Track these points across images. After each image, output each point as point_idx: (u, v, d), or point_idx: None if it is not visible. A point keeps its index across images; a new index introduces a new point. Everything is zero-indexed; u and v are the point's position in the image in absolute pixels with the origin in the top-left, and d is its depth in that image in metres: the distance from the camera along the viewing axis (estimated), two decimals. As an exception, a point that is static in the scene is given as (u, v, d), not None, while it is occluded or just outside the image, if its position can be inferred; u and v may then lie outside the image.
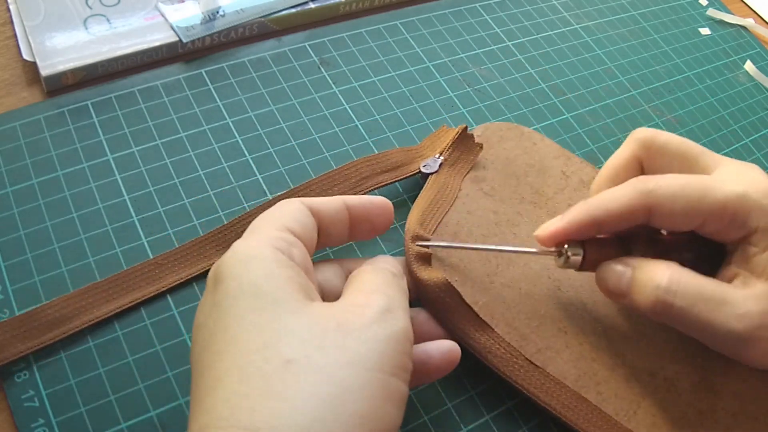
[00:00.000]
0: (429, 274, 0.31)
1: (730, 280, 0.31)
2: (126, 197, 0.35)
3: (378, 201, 0.30)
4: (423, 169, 0.37)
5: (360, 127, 0.41)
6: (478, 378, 0.33)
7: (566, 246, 0.31)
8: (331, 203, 0.29)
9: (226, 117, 0.40)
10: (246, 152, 0.38)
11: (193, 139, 0.38)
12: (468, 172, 0.38)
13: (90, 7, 0.41)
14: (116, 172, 0.36)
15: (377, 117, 0.42)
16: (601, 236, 0.32)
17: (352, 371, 0.22)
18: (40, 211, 0.34)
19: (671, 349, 0.33)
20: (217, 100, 0.40)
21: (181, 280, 0.32)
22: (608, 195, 0.31)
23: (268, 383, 0.21)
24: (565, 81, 0.48)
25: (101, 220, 0.34)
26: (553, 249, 0.32)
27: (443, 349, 0.29)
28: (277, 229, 0.26)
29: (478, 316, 0.32)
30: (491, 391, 0.33)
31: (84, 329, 0.31)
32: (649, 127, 0.47)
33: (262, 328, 0.23)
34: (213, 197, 0.36)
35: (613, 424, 0.31)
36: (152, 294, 0.32)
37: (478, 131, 0.40)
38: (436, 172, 0.37)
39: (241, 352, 0.22)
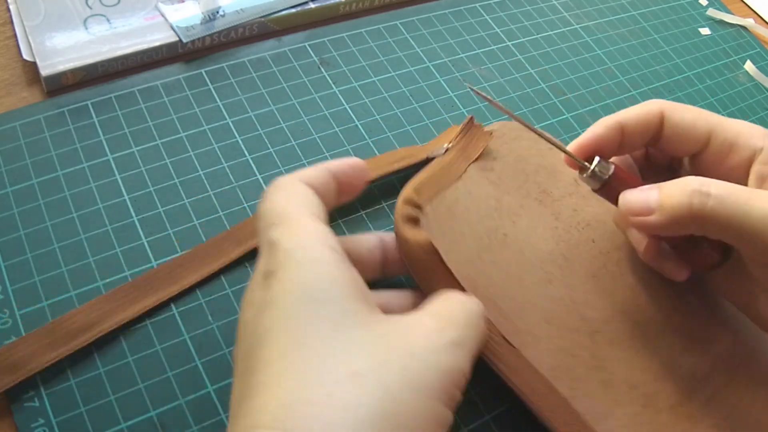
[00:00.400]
0: (414, 235, 0.31)
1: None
2: (126, 197, 0.35)
3: (356, 162, 0.30)
4: (430, 155, 0.37)
5: (360, 127, 0.41)
6: (477, 380, 0.33)
7: (596, 159, 0.32)
8: (320, 173, 0.29)
9: (226, 117, 0.40)
10: (246, 152, 0.38)
11: (193, 139, 0.38)
12: (476, 160, 0.37)
13: (90, 7, 0.41)
14: (116, 172, 0.36)
15: (377, 117, 0.42)
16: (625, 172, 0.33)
17: (415, 396, 0.22)
18: (40, 211, 0.34)
19: (657, 367, 0.33)
20: (217, 100, 0.40)
21: (185, 287, 0.33)
22: (627, 109, 0.34)
23: (329, 392, 0.21)
24: (565, 81, 0.48)
25: (101, 220, 0.34)
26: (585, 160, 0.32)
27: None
28: (312, 220, 0.25)
29: (457, 281, 0.31)
30: (492, 392, 0.33)
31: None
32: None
33: (331, 338, 0.22)
34: (213, 197, 0.36)
35: (580, 421, 0.30)
36: (178, 291, 0.32)
37: (494, 126, 0.40)
38: (442, 155, 0.37)
39: (306, 358, 0.22)
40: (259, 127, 0.40)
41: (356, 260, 0.28)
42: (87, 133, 0.37)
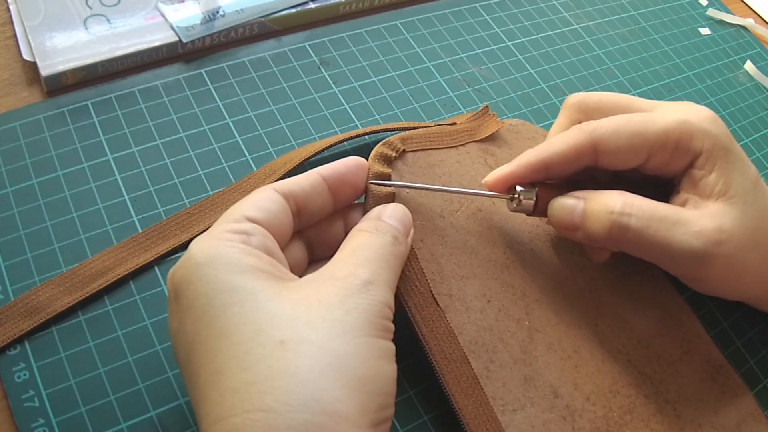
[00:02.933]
0: (378, 168, 0.31)
1: (681, 206, 0.31)
2: (126, 197, 0.35)
3: (350, 161, 0.30)
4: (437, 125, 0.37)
5: (360, 127, 0.41)
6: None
7: (519, 188, 0.31)
8: (305, 179, 0.29)
9: (226, 117, 0.40)
10: (246, 152, 0.38)
11: (193, 139, 0.38)
12: (480, 141, 0.37)
13: (90, 7, 0.41)
14: (116, 172, 0.36)
15: (377, 117, 0.42)
16: (553, 184, 0.32)
17: (344, 339, 0.23)
18: (40, 211, 0.34)
19: (591, 387, 0.32)
20: (217, 100, 0.40)
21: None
22: (555, 139, 0.32)
23: (269, 365, 0.22)
24: (565, 81, 0.48)
25: (101, 220, 0.34)
26: (507, 194, 0.32)
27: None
28: (232, 222, 0.26)
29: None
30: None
31: (83, 328, 0.31)
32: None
33: (249, 318, 0.23)
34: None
35: (483, 403, 0.29)
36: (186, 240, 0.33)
37: (513, 122, 0.40)
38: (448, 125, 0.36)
39: (235, 344, 0.23)
40: (259, 127, 0.40)
41: (305, 201, 0.29)
42: (87, 133, 0.37)
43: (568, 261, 0.35)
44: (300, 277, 0.26)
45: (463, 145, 0.36)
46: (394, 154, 0.32)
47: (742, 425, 0.33)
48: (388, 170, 0.31)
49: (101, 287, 0.31)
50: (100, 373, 0.30)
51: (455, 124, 0.37)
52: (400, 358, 0.32)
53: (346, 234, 0.29)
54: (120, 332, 0.31)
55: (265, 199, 0.28)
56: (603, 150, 0.31)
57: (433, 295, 0.30)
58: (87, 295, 0.31)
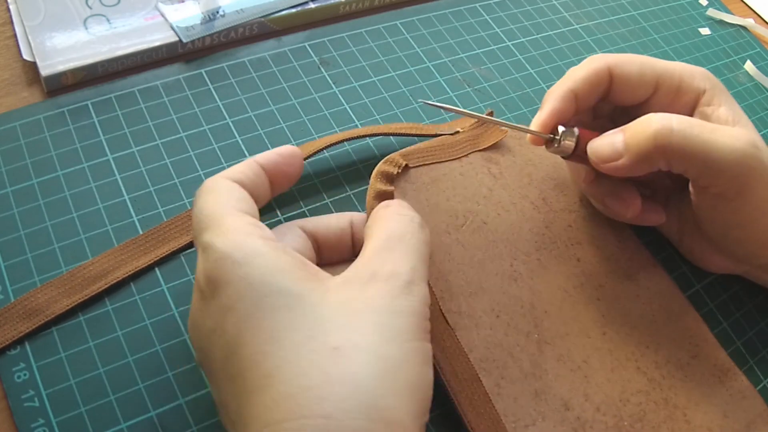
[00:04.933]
0: (380, 186, 0.30)
1: None
2: (126, 197, 0.35)
3: (285, 150, 0.30)
4: (438, 132, 0.37)
5: (360, 127, 0.41)
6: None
7: (561, 129, 0.32)
8: (248, 168, 0.29)
9: (226, 117, 0.40)
10: (246, 152, 0.38)
11: (193, 139, 0.38)
12: (484, 150, 0.37)
13: (90, 7, 0.41)
14: (116, 172, 0.36)
15: (377, 117, 0.42)
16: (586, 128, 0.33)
17: (394, 345, 0.23)
18: (40, 211, 0.34)
19: (601, 396, 0.31)
20: (217, 100, 0.40)
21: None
22: (575, 68, 0.34)
23: (325, 371, 0.22)
24: (565, 81, 0.48)
25: (101, 220, 0.34)
26: (548, 134, 0.32)
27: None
28: (237, 216, 0.26)
29: None
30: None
31: (83, 328, 0.31)
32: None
33: (299, 323, 0.23)
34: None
35: (495, 421, 0.29)
36: (185, 244, 0.33)
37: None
38: (451, 135, 0.36)
39: (286, 349, 0.23)
40: (259, 127, 0.40)
41: (327, 244, 0.30)
42: (87, 133, 0.37)
43: (575, 269, 0.35)
44: None
45: (466, 156, 0.36)
46: (396, 171, 0.32)
47: (751, 427, 0.33)
48: (390, 188, 0.31)
49: (100, 290, 0.31)
50: (100, 373, 0.30)
51: (458, 132, 0.37)
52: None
53: (354, 242, 0.30)
54: (120, 332, 0.31)
55: (235, 189, 0.27)
56: (617, 74, 0.33)
57: (442, 313, 0.30)
58: (86, 297, 0.31)
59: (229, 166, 0.37)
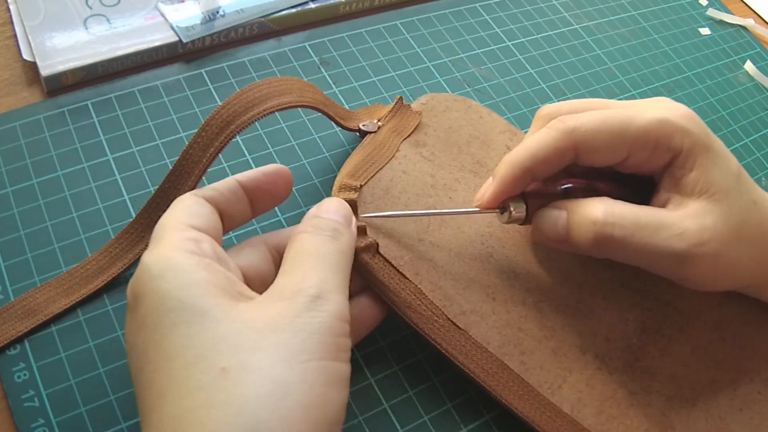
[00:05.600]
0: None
1: (662, 206, 0.31)
2: (126, 197, 0.35)
3: (269, 169, 0.30)
4: (362, 127, 0.37)
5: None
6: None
7: (509, 202, 0.32)
8: (223, 185, 0.28)
9: (226, 117, 0.39)
10: (246, 152, 0.38)
11: (193, 139, 0.38)
12: (408, 136, 0.37)
13: (90, 7, 0.41)
14: (116, 172, 0.36)
15: (377, 117, 0.42)
16: (541, 190, 0.32)
17: (287, 366, 0.22)
18: (40, 211, 0.34)
19: (606, 329, 0.33)
20: (218, 100, 0.40)
21: None
22: (534, 142, 0.31)
23: (209, 394, 0.21)
24: (565, 81, 0.48)
25: (101, 220, 0.34)
26: (497, 209, 0.32)
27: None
28: (179, 230, 0.25)
29: (397, 270, 0.31)
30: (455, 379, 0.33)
31: (83, 328, 0.31)
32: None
33: (194, 341, 0.22)
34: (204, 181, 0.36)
35: (534, 394, 0.30)
36: None
37: (423, 99, 0.40)
38: (374, 132, 0.36)
39: (177, 368, 0.22)
40: (259, 127, 0.40)
41: (225, 204, 0.28)
42: (87, 133, 0.37)
43: None
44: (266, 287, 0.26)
45: (398, 150, 0.36)
46: (355, 195, 0.32)
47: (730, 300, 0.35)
48: (368, 239, 0.31)
49: (98, 287, 0.31)
50: (100, 373, 0.30)
51: (380, 126, 0.37)
52: (400, 357, 0.33)
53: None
54: (120, 332, 0.31)
55: (196, 205, 0.27)
56: (583, 149, 0.31)
57: (451, 321, 0.31)
58: (84, 296, 0.31)
59: (229, 166, 0.37)
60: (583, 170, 0.34)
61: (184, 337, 0.22)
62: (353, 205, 0.31)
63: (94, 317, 0.31)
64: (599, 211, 0.30)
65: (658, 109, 0.31)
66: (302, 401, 0.22)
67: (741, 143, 0.49)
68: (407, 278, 0.31)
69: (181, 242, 0.25)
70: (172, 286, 0.23)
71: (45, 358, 0.30)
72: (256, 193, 0.29)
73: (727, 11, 0.59)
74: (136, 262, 0.32)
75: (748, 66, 0.55)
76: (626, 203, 0.30)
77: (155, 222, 0.27)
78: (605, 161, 0.32)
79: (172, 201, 0.30)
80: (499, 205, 0.32)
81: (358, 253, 0.30)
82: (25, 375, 0.29)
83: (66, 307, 0.31)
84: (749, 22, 0.58)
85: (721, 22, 0.58)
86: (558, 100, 0.47)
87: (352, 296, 0.30)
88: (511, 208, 0.32)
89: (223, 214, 0.28)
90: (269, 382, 0.22)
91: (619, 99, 0.48)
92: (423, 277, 0.32)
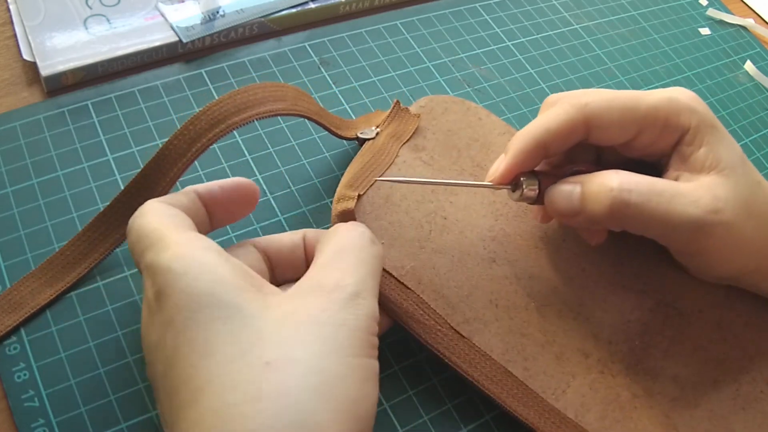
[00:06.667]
0: (340, 209, 0.30)
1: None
2: (126, 197, 0.35)
3: (228, 184, 0.29)
4: (360, 135, 0.37)
5: (360, 127, 0.41)
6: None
7: (522, 179, 0.31)
8: (183, 195, 0.28)
9: (226, 117, 0.39)
10: (246, 152, 0.38)
11: (193, 139, 0.38)
12: (407, 141, 0.37)
13: (90, 7, 0.41)
14: (116, 172, 0.36)
15: (377, 117, 0.42)
16: (553, 171, 0.32)
17: (333, 359, 0.22)
18: (40, 211, 0.34)
19: (608, 332, 0.33)
20: (217, 100, 0.40)
21: None
22: (546, 117, 0.31)
23: (256, 387, 0.21)
24: (565, 81, 0.48)
25: (101, 220, 0.34)
26: (508, 185, 0.32)
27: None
28: (181, 231, 0.25)
29: (398, 281, 0.31)
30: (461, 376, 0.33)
31: (83, 328, 0.31)
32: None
33: (235, 337, 0.22)
34: (203, 177, 0.36)
35: (539, 401, 0.30)
36: None
37: (421, 102, 0.40)
38: (372, 138, 0.36)
39: (219, 363, 0.22)
40: (259, 127, 0.40)
41: (280, 259, 0.29)
42: (87, 133, 0.37)
43: (533, 221, 0.36)
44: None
45: (397, 155, 0.36)
46: (352, 204, 0.32)
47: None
48: (351, 206, 0.31)
49: (82, 274, 0.31)
50: (100, 373, 0.30)
51: (378, 132, 0.37)
52: (400, 357, 0.33)
53: (308, 260, 0.29)
54: (120, 332, 0.31)
55: (173, 209, 0.27)
56: (595, 125, 0.31)
57: (455, 330, 0.31)
58: (69, 284, 0.31)
59: (228, 166, 0.38)
60: (589, 160, 0.34)
61: (222, 332, 0.22)
62: (350, 214, 0.31)
63: (94, 317, 0.31)
64: (615, 178, 0.30)
65: (667, 90, 0.32)
66: (348, 395, 0.22)
67: (741, 143, 0.49)
68: (409, 288, 0.31)
69: (196, 240, 0.25)
70: (199, 283, 0.23)
71: (45, 358, 0.30)
72: (212, 206, 0.29)
73: (727, 11, 0.59)
74: (103, 320, 0.31)
75: (748, 66, 0.55)
76: (641, 174, 0.30)
77: (136, 206, 0.27)
78: (615, 139, 0.32)
79: (153, 186, 0.30)
80: (512, 180, 0.32)
81: (333, 208, 0.30)
82: (25, 375, 0.29)
83: (53, 297, 0.31)
84: (749, 22, 0.58)
85: (721, 22, 0.58)
86: (558, 100, 0.47)
87: None
88: (524, 185, 0.31)
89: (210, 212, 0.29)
90: (317, 375, 0.22)
91: (619, 99, 0.48)
92: (425, 286, 0.32)
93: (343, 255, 0.26)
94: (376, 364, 0.24)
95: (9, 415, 0.28)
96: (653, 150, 0.32)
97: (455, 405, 0.32)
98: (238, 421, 0.21)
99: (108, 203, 0.32)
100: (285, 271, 0.30)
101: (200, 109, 0.30)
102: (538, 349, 0.32)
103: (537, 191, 0.32)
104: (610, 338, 0.33)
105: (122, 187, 0.35)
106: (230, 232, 0.35)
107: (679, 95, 0.32)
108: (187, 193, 0.28)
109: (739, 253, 0.31)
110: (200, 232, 0.27)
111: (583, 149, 0.34)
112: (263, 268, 0.29)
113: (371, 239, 0.28)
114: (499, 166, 0.32)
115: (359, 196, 0.32)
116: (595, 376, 0.32)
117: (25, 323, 0.30)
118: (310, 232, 0.30)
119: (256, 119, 0.31)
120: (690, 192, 0.30)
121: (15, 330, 0.30)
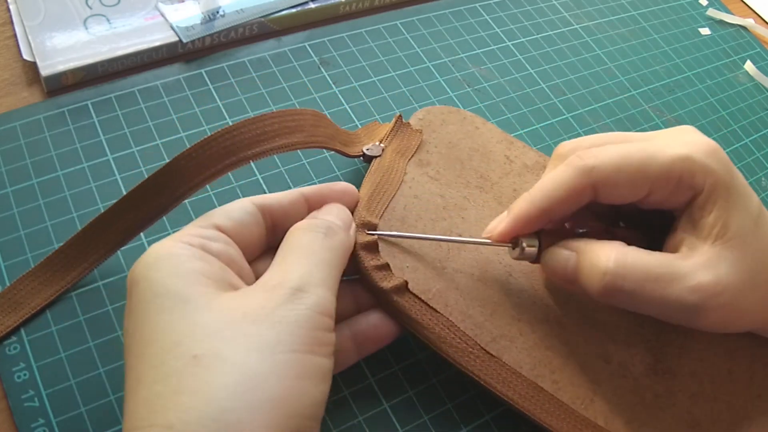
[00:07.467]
0: (385, 283, 0.30)
1: (676, 248, 0.30)
2: (126, 197, 0.35)
3: (337, 186, 0.30)
4: (366, 152, 0.36)
5: (360, 127, 0.41)
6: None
7: (521, 238, 0.31)
8: (285, 196, 0.29)
9: (226, 117, 0.40)
10: (256, 171, 0.38)
11: (193, 139, 0.38)
12: (412, 156, 0.37)
13: (90, 7, 0.41)
14: (116, 172, 0.36)
15: (377, 117, 0.42)
16: (558, 230, 0.32)
17: (259, 357, 0.22)
18: (40, 211, 0.34)
19: (624, 334, 0.33)
20: (217, 100, 0.40)
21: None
22: (551, 182, 0.30)
23: (179, 380, 0.21)
24: (565, 81, 0.48)
25: (101, 220, 0.34)
26: (508, 243, 0.32)
27: (372, 321, 0.30)
28: (198, 227, 0.26)
29: (428, 305, 0.31)
30: (490, 393, 0.33)
31: (83, 328, 0.31)
32: (649, 127, 0.47)
33: (172, 328, 0.23)
34: (213, 197, 0.36)
35: (570, 412, 0.30)
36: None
37: (420, 115, 0.40)
38: (379, 156, 0.36)
39: (155, 353, 0.22)
40: (259, 127, 0.39)
41: (280, 215, 0.29)
42: (87, 133, 0.37)
43: None
44: None
45: (405, 173, 0.36)
46: (372, 239, 0.32)
47: None
48: (393, 280, 0.31)
49: (82, 276, 0.31)
50: (100, 373, 0.30)
51: (383, 149, 0.37)
52: (400, 357, 0.33)
53: (310, 212, 0.30)
54: (120, 332, 0.31)
55: (239, 210, 0.28)
56: (603, 189, 0.30)
57: (485, 350, 0.31)
58: (70, 284, 0.31)
59: (239, 186, 0.37)
60: (597, 211, 0.34)
61: (164, 322, 0.23)
62: (374, 245, 0.31)
63: (94, 317, 0.31)
64: (611, 260, 0.29)
65: (682, 143, 0.30)
66: (271, 393, 0.22)
67: (741, 143, 0.49)
68: (438, 312, 0.31)
69: (188, 236, 0.25)
70: (161, 273, 0.24)
71: (45, 358, 0.30)
72: (318, 206, 0.30)
73: (727, 11, 0.59)
74: (103, 320, 0.31)
75: (748, 66, 0.55)
76: (639, 250, 0.29)
77: (139, 211, 0.28)
78: (626, 199, 0.30)
79: (157, 198, 0.31)
80: (512, 240, 0.31)
81: (388, 294, 0.30)
82: (25, 375, 0.29)
83: (53, 297, 0.31)
84: (749, 22, 0.58)
85: (721, 22, 0.58)
86: (558, 100, 0.47)
87: (362, 311, 0.31)
88: (524, 244, 0.31)
89: (277, 224, 0.29)
90: (239, 372, 0.22)
91: (619, 99, 0.48)
92: (452, 308, 0.31)
93: (291, 252, 0.27)
94: (321, 360, 0.24)
95: (9, 415, 0.28)
96: (665, 206, 0.31)
97: (455, 405, 0.32)
98: (161, 413, 0.21)
99: (108, 204, 0.32)
100: (287, 226, 0.29)
101: (213, 132, 0.30)
102: (563, 361, 0.32)
103: (536, 251, 0.31)
104: (627, 340, 0.33)
105: (122, 188, 0.35)
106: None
107: (694, 152, 0.29)
108: (290, 193, 0.29)
109: (739, 321, 0.31)
110: (253, 247, 0.28)
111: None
112: (259, 229, 0.28)
113: (326, 231, 0.28)
114: (498, 224, 0.31)
115: (379, 219, 0.33)
116: (618, 382, 0.32)
117: (25, 323, 0.30)
118: (307, 190, 0.30)
119: (269, 156, 0.31)
120: (690, 273, 0.28)
121: (15, 330, 0.30)
